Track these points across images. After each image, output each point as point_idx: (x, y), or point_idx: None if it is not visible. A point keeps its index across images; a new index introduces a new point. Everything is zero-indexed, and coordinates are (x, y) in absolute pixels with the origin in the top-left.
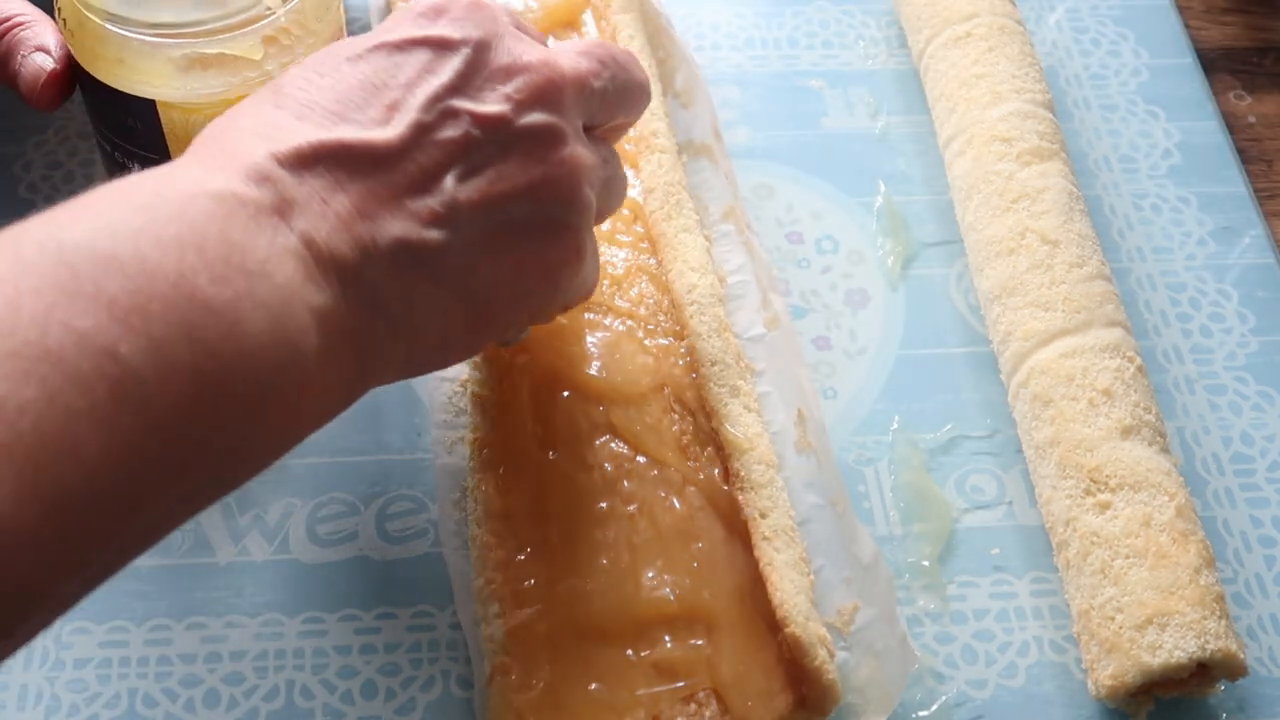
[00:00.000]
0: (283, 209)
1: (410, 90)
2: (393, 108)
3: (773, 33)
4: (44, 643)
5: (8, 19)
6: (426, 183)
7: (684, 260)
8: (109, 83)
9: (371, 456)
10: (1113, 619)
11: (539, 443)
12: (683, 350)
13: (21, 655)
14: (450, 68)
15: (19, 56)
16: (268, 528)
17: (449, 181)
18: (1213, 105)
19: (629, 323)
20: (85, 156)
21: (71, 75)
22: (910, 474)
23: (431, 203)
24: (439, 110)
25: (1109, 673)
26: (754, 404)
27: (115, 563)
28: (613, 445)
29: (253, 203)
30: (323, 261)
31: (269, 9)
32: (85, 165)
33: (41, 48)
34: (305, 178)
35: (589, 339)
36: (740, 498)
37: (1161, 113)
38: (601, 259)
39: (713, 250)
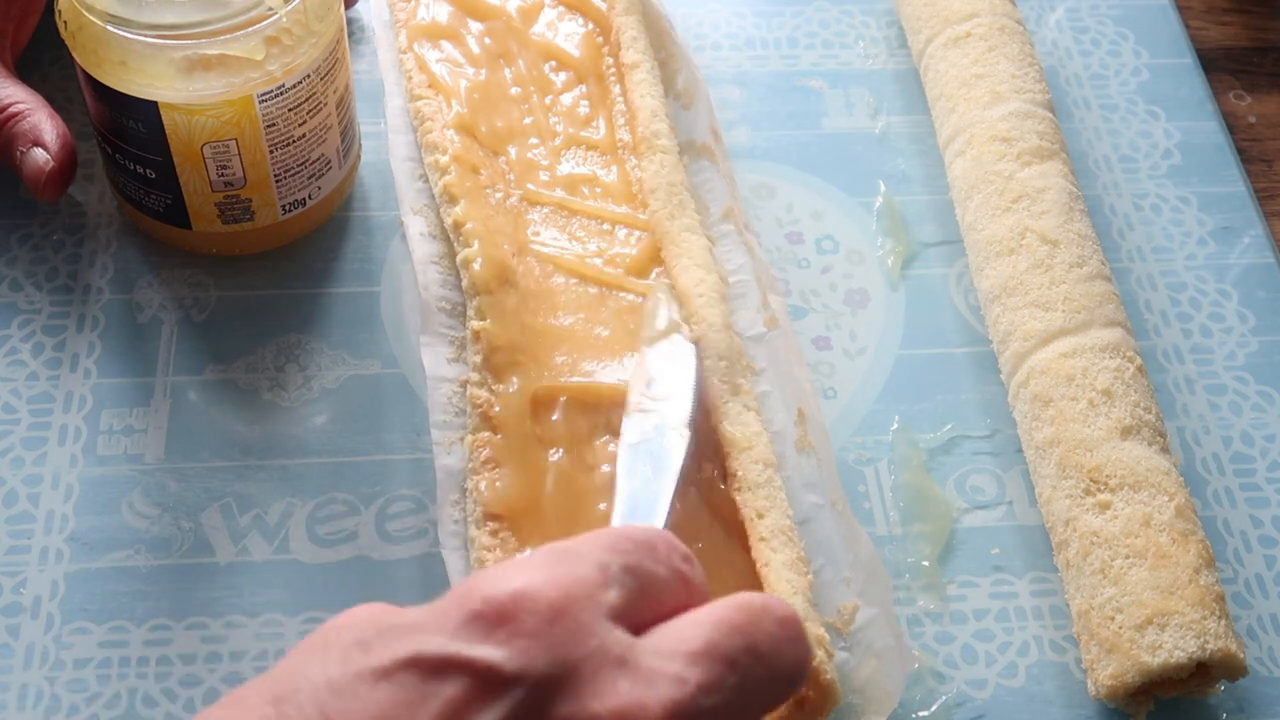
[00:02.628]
0: None
1: None
2: None
3: (773, 33)
4: (44, 643)
5: (3, 109)
6: None
7: (689, 257)
8: (110, 85)
9: (371, 456)
10: (1113, 619)
11: (538, 443)
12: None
13: (21, 655)
14: (492, 716)
15: (18, 151)
16: (268, 528)
17: None
18: (1213, 105)
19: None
20: (85, 157)
21: (72, 166)
22: (910, 474)
23: None
24: None
25: (1109, 673)
26: (753, 403)
27: None
28: (612, 446)
29: None
30: None
31: (270, 10)
32: (85, 166)
33: (39, 142)
34: None
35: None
36: (738, 498)
37: (1161, 113)
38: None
39: (714, 251)
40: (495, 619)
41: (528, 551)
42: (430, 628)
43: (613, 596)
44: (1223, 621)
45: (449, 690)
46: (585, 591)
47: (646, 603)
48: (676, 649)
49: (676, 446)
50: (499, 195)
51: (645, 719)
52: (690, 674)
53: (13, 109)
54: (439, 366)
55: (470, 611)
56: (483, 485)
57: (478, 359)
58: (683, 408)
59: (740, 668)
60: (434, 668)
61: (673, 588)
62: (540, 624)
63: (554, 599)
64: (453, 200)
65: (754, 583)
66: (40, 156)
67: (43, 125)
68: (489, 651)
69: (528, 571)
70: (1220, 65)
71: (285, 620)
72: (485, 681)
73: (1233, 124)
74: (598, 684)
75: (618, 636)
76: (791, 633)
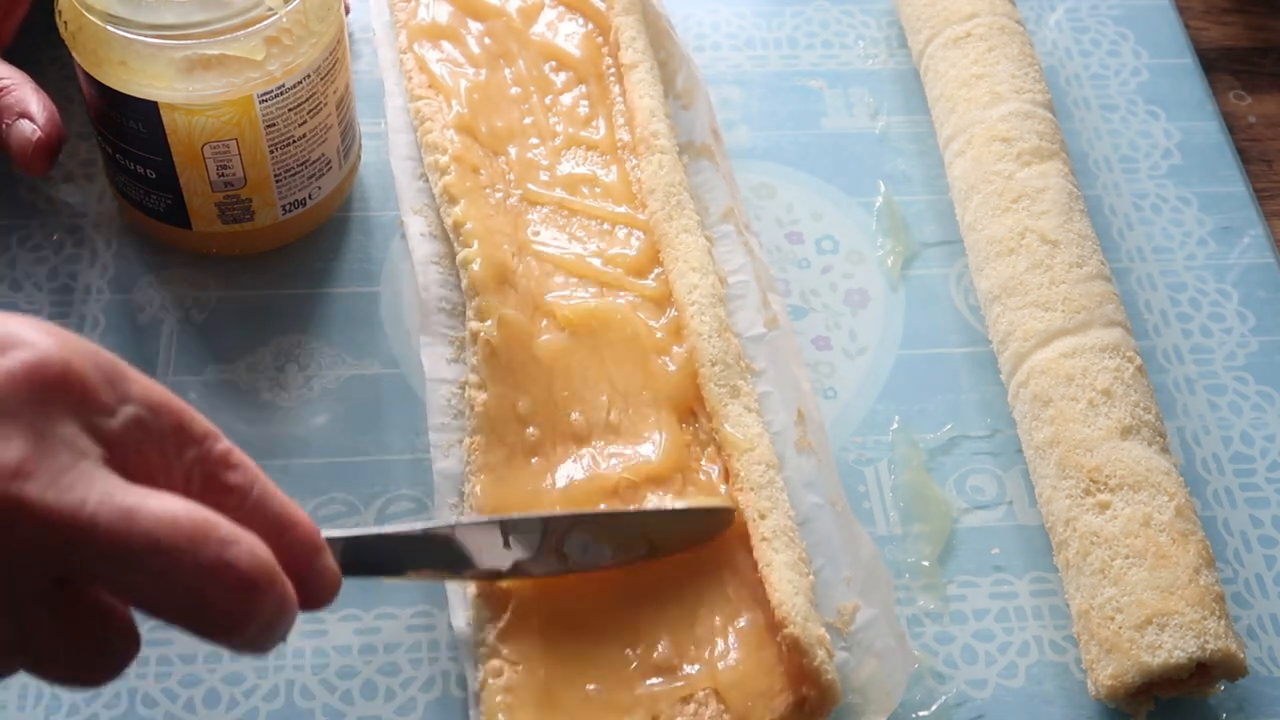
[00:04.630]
0: None
1: None
2: None
3: (773, 33)
4: None
5: None
6: None
7: (685, 260)
8: (110, 85)
9: (371, 456)
10: (1112, 619)
11: (537, 446)
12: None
13: None
14: None
15: (4, 124)
16: None
17: None
18: (1213, 105)
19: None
20: (85, 157)
21: (59, 138)
22: (910, 474)
23: None
24: None
25: (1109, 673)
26: (754, 404)
27: None
28: (611, 448)
29: None
30: None
31: (271, 10)
32: (86, 166)
33: (25, 114)
34: None
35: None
36: (739, 498)
37: (1161, 113)
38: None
39: (713, 251)
40: None
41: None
42: None
43: (109, 420)
44: (1222, 621)
45: None
46: (84, 388)
47: (141, 460)
48: (112, 493)
49: None
50: (499, 195)
51: (18, 498)
52: (95, 509)
53: None
54: (438, 368)
55: None
56: (480, 488)
57: (476, 360)
58: None
59: (141, 552)
60: None
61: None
62: (19, 368)
63: (51, 365)
64: (452, 200)
65: (755, 582)
66: (27, 128)
67: (29, 99)
68: None
69: (54, 339)
70: (1220, 65)
71: None
72: None
73: (1233, 124)
74: (16, 446)
75: (79, 440)
76: (224, 575)
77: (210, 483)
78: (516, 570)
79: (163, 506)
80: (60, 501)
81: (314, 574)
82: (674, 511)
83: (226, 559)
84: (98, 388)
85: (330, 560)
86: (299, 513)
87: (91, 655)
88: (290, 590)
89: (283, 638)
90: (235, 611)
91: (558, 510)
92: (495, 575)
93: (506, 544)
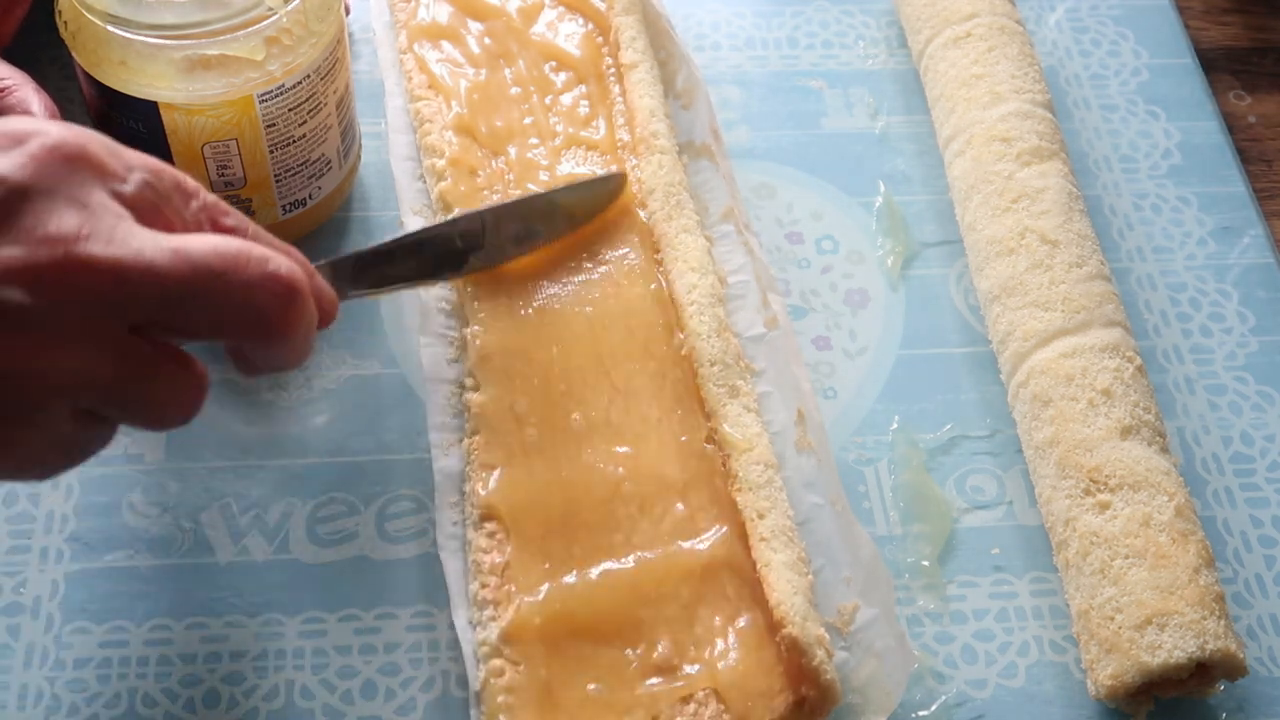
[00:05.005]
0: None
1: None
2: None
3: (773, 33)
4: (44, 642)
5: None
6: None
7: (684, 260)
8: (111, 85)
9: (371, 456)
10: (1112, 619)
11: (537, 445)
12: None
13: (21, 655)
14: None
15: None
16: (268, 528)
17: None
18: (1213, 105)
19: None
20: None
21: None
22: (910, 474)
23: None
24: None
25: (1109, 673)
26: (753, 404)
27: None
28: (612, 448)
29: None
30: None
31: (271, 10)
32: None
33: (27, 114)
34: None
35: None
36: (738, 498)
37: (1161, 113)
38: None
39: (713, 251)
40: (8, 142)
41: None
42: None
43: (125, 186)
44: (1222, 621)
45: None
46: (100, 161)
47: (152, 201)
48: (159, 240)
49: None
50: (496, 197)
51: (85, 261)
52: (162, 258)
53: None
54: (438, 368)
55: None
56: (481, 488)
57: (474, 359)
58: None
59: (204, 283)
60: None
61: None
62: (42, 151)
63: (69, 143)
64: (447, 207)
65: (755, 582)
66: None
67: (30, 100)
68: None
69: (60, 125)
70: (1220, 65)
71: (285, 620)
72: None
73: (1233, 124)
74: (63, 215)
75: (112, 204)
76: (271, 285)
77: (215, 227)
78: (471, 264)
79: (203, 242)
80: (120, 254)
81: (318, 289)
82: (575, 184)
83: (270, 271)
84: (108, 159)
85: (323, 280)
86: (287, 244)
87: (173, 396)
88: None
89: (312, 349)
90: (287, 312)
91: (485, 205)
92: (456, 269)
93: (458, 243)
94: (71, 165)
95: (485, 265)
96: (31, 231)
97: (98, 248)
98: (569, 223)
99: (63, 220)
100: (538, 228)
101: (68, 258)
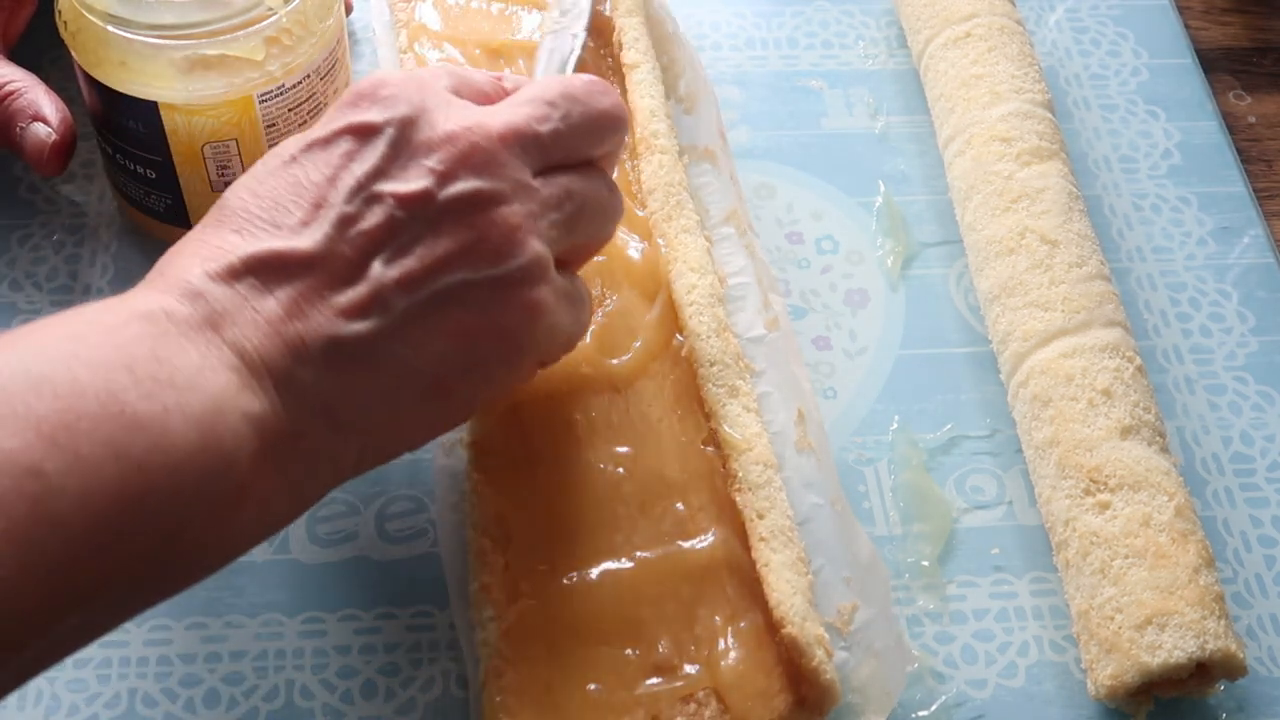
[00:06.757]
0: (215, 322)
1: (333, 184)
2: (318, 205)
3: (773, 33)
4: None
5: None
6: (352, 274)
7: (684, 260)
8: (110, 85)
9: None
10: (1112, 619)
11: (538, 446)
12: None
13: None
14: (374, 153)
15: (18, 128)
16: None
17: (376, 267)
18: (1212, 105)
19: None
20: (86, 158)
21: (73, 139)
22: (910, 474)
23: (358, 292)
24: (362, 199)
25: (1108, 673)
26: (753, 404)
27: (35, 669)
28: (613, 448)
29: (184, 319)
30: (255, 369)
31: (270, 9)
32: (86, 166)
33: (39, 116)
34: (236, 288)
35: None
36: (738, 498)
37: (1161, 113)
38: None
39: (714, 252)
40: (358, 98)
41: None
42: (322, 121)
43: (449, 82)
44: (1222, 621)
45: (339, 149)
46: (429, 77)
47: (468, 90)
48: (507, 100)
49: (569, 44)
50: None
51: (483, 133)
52: (521, 110)
53: (8, 87)
54: None
55: (343, 103)
56: (481, 488)
57: None
58: (580, 17)
59: (561, 105)
60: (327, 140)
61: (485, 89)
62: (396, 88)
63: (404, 79)
64: None
65: (755, 582)
66: (41, 130)
67: (41, 101)
68: (360, 114)
69: (386, 75)
70: (1220, 65)
71: (285, 620)
72: (363, 133)
73: (1233, 124)
74: (445, 115)
75: (458, 100)
76: (599, 87)
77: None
78: None
79: (542, 83)
80: (507, 118)
81: None
82: None
83: (587, 78)
84: (415, 76)
85: None
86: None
87: (617, 206)
88: None
89: None
90: (614, 103)
91: None
92: None
93: None
94: (415, 87)
95: None
96: (433, 142)
97: (489, 122)
98: None
99: (448, 119)
100: None
101: (473, 143)
